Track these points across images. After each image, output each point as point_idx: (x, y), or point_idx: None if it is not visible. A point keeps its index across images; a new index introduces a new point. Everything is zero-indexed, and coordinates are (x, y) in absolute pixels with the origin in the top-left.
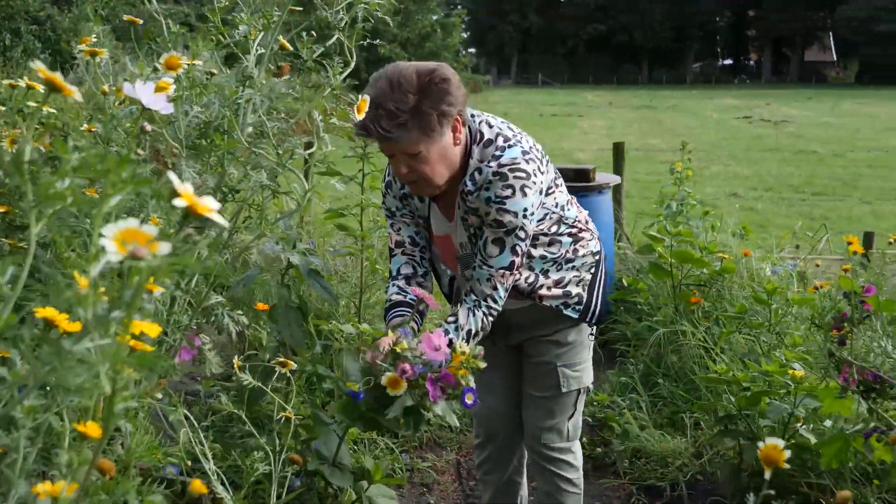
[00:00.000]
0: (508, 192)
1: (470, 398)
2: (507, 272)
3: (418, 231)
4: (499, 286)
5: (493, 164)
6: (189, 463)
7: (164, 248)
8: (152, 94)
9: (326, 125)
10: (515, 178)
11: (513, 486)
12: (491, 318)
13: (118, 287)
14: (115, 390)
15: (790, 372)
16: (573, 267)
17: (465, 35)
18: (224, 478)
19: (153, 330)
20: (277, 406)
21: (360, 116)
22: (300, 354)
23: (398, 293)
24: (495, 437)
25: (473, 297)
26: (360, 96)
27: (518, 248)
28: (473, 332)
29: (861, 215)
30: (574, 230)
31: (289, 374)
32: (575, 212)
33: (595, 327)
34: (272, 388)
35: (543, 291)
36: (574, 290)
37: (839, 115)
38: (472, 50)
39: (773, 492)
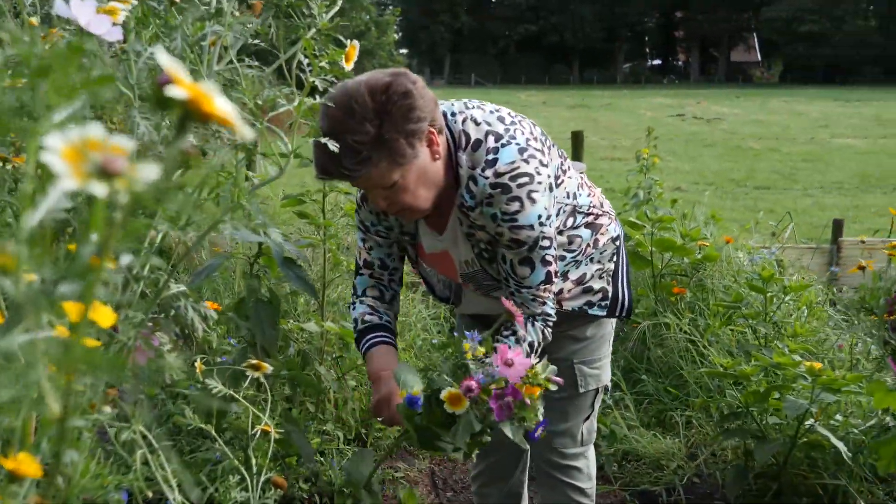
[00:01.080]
0: (515, 205)
1: (535, 429)
2: (548, 285)
3: (391, 253)
4: (546, 300)
5: (488, 172)
6: (150, 493)
7: (150, 170)
8: (93, 15)
9: (315, 69)
10: (519, 186)
11: (515, 500)
12: (550, 329)
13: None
14: (67, 409)
15: (807, 364)
16: (594, 260)
17: (397, 35)
18: None
19: (106, 317)
20: (252, 418)
21: (349, 66)
22: (273, 356)
23: (371, 313)
24: (499, 445)
25: (525, 311)
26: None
27: (548, 256)
28: (536, 344)
29: (805, 207)
30: (590, 217)
31: (262, 380)
32: (587, 195)
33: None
34: (242, 397)
35: (563, 295)
36: (597, 284)
37: (769, 113)
38: (404, 51)
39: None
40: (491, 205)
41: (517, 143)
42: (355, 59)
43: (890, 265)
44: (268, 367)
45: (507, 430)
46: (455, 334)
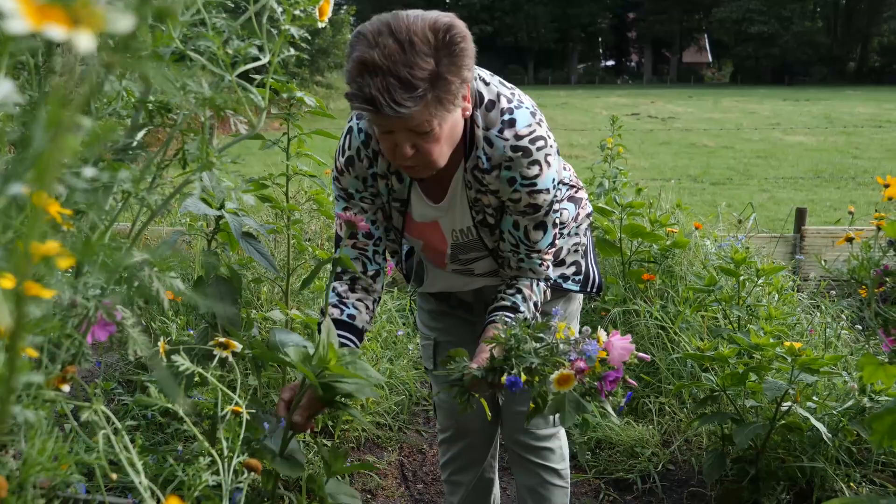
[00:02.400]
0: (535, 169)
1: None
2: (552, 248)
3: (375, 220)
4: (549, 264)
5: (507, 133)
6: (114, 476)
7: (125, 20)
8: None
9: (288, 16)
10: (538, 149)
11: (486, 485)
12: (549, 290)
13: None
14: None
15: (787, 344)
16: (570, 233)
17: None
18: (161, 495)
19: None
20: (222, 398)
21: (323, 21)
22: (234, 336)
23: (336, 305)
24: (469, 431)
25: (531, 276)
26: (350, 58)
27: (556, 220)
28: (540, 303)
29: (762, 202)
30: (573, 191)
31: (231, 360)
32: (565, 169)
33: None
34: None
35: None
36: (570, 258)
37: (722, 111)
38: None
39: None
40: (510, 168)
41: (527, 107)
42: (329, 14)
43: (879, 232)
44: (237, 345)
45: (608, 407)
46: (417, 317)
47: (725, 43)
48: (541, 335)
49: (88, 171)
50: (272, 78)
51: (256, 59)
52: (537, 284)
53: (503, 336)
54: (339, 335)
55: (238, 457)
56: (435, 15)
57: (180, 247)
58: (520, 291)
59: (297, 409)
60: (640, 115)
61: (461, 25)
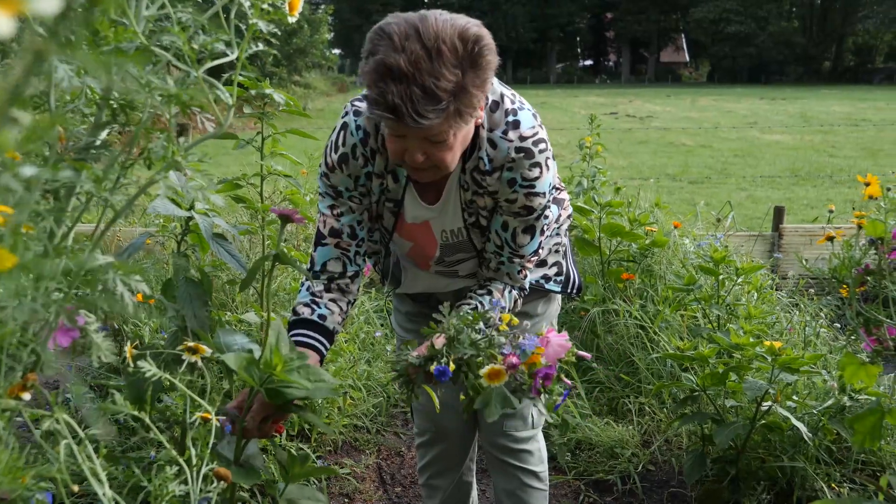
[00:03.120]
0: (536, 171)
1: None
2: (535, 256)
3: (361, 220)
4: (528, 272)
5: (511, 134)
6: (75, 488)
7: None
8: None
9: (256, 11)
10: (540, 151)
11: (465, 488)
12: (521, 301)
13: None
14: None
15: (767, 344)
16: (552, 234)
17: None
18: None
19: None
20: (189, 405)
21: (293, 16)
22: (204, 340)
23: (308, 304)
24: (446, 434)
25: (507, 281)
26: (371, 58)
27: (545, 227)
28: (507, 309)
29: (740, 200)
30: (556, 192)
31: (201, 364)
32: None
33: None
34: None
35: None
36: (552, 258)
37: (700, 111)
38: (337, 51)
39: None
40: (511, 169)
41: (528, 109)
42: (300, 9)
43: (860, 231)
44: (206, 350)
45: (539, 404)
46: (393, 318)
47: (702, 43)
48: (481, 327)
49: (27, 171)
50: (241, 75)
51: (224, 54)
52: (510, 292)
53: (445, 325)
54: (308, 335)
55: (206, 465)
56: (464, 22)
57: (154, 248)
58: (490, 294)
59: (247, 414)
60: (618, 115)
61: (489, 36)
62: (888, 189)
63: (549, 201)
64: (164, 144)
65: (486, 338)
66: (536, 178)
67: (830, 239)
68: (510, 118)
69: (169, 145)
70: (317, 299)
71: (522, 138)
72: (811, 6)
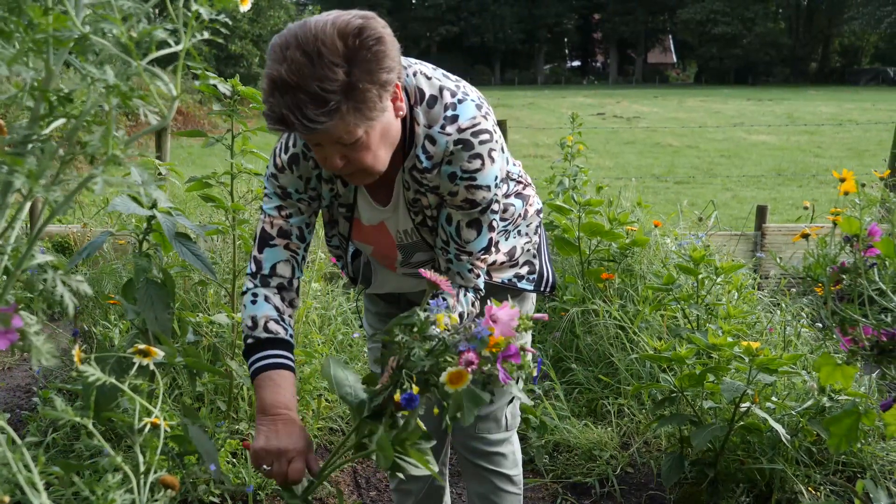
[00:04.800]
0: (476, 163)
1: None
2: (486, 254)
3: (309, 223)
4: (480, 272)
5: (449, 128)
6: (6, 499)
7: None
8: None
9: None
10: (481, 143)
11: (437, 492)
12: (479, 303)
13: None
14: None
15: (744, 344)
16: (521, 232)
17: None
18: None
19: None
20: (139, 410)
21: (245, 6)
22: (165, 343)
23: (277, 320)
24: None
25: (459, 281)
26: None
27: (494, 223)
28: (465, 315)
29: (725, 200)
30: (520, 187)
31: (153, 368)
32: (513, 164)
33: (547, 297)
34: (131, 389)
35: (494, 266)
36: (524, 257)
37: (687, 111)
38: None
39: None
40: (451, 163)
41: (472, 100)
42: None
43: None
44: (158, 353)
45: (515, 389)
46: (364, 319)
47: (690, 44)
48: (430, 335)
49: None
50: (187, 65)
51: (166, 44)
52: (465, 294)
53: (394, 345)
54: (286, 357)
55: (154, 472)
56: (346, 18)
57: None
58: (444, 301)
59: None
60: (605, 115)
61: (375, 26)
62: (863, 185)
63: (495, 196)
64: (101, 138)
65: (441, 343)
66: (477, 171)
67: (806, 237)
68: (449, 112)
69: (107, 139)
70: (282, 315)
71: (460, 130)
72: (797, 7)
